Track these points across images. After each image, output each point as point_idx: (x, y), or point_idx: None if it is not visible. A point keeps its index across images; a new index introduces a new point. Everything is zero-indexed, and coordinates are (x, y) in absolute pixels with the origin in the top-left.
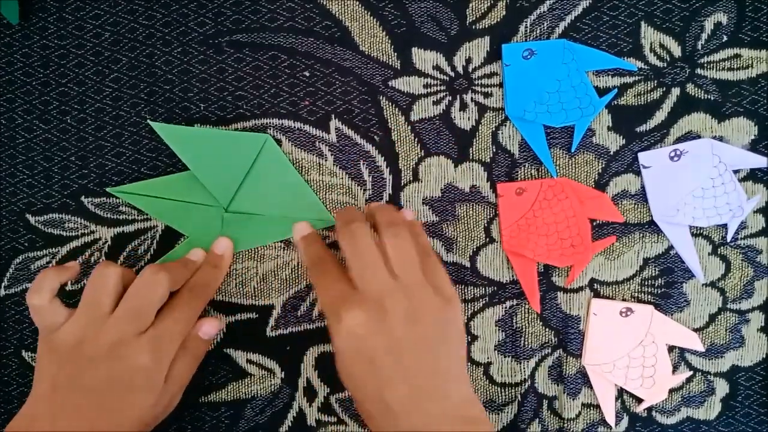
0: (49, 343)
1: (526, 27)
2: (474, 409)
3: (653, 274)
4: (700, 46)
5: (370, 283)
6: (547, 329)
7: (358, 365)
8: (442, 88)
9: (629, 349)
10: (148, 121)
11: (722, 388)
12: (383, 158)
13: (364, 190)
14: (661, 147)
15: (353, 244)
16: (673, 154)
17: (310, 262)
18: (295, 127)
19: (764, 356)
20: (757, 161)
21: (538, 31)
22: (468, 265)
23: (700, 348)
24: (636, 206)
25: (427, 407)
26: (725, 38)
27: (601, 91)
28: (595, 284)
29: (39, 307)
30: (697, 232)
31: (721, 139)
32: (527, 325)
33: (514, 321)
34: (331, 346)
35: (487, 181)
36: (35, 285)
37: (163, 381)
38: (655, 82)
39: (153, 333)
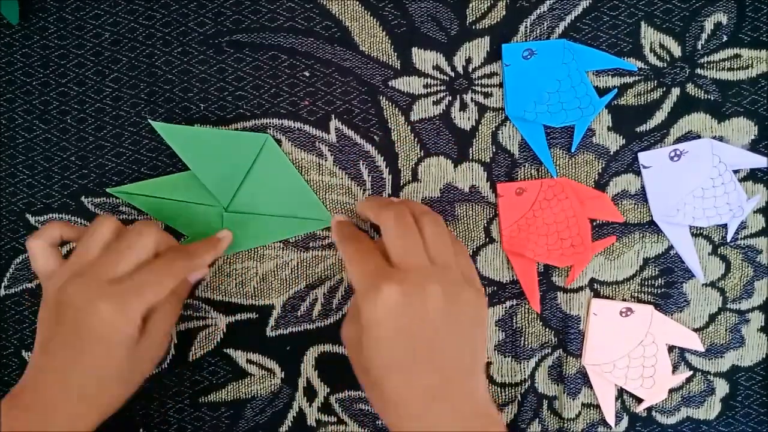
0: (43, 293)
1: (526, 27)
2: (493, 407)
3: (653, 274)
4: (700, 46)
5: (412, 263)
6: (547, 329)
7: (392, 342)
8: (442, 88)
9: (629, 349)
10: (149, 120)
11: (722, 388)
12: (383, 158)
13: (364, 190)
14: (661, 147)
15: (398, 221)
16: (673, 154)
17: (345, 237)
18: (295, 127)
19: (764, 356)
20: (757, 161)
21: (538, 31)
22: None
23: (700, 348)
24: (636, 206)
25: (460, 403)
26: (725, 38)
27: (601, 91)
28: (595, 284)
29: (33, 249)
30: (697, 232)
31: (721, 139)
32: (527, 325)
33: (514, 321)
34: (355, 325)
35: (487, 181)
36: (37, 231)
37: (136, 334)
38: (655, 82)
39: (122, 283)
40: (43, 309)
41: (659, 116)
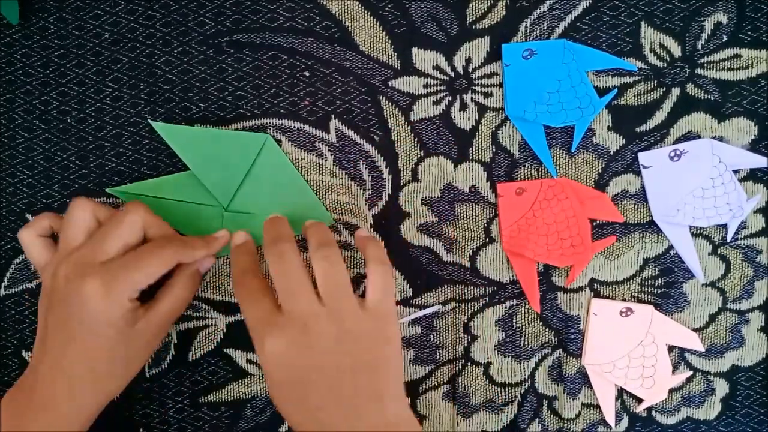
0: (42, 280)
1: (526, 27)
2: (413, 425)
3: (653, 274)
4: (700, 46)
5: (294, 307)
6: (547, 329)
7: (289, 390)
8: (442, 88)
9: (629, 349)
10: (149, 120)
11: (722, 388)
12: (383, 158)
13: (364, 190)
14: (661, 147)
15: (280, 264)
16: (673, 154)
17: (236, 276)
18: (295, 127)
19: (764, 356)
20: (757, 161)
21: (538, 31)
22: (468, 265)
23: (700, 348)
24: (636, 206)
25: (366, 427)
26: (725, 38)
27: (601, 91)
28: (595, 284)
29: (24, 240)
30: (697, 232)
31: (721, 139)
32: (527, 325)
33: (514, 321)
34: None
35: (487, 181)
36: (29, 223)
37: (125, 310)
38: (655, 82)
39: (109, 264)
40: (40, 301)
41: (659, 116)
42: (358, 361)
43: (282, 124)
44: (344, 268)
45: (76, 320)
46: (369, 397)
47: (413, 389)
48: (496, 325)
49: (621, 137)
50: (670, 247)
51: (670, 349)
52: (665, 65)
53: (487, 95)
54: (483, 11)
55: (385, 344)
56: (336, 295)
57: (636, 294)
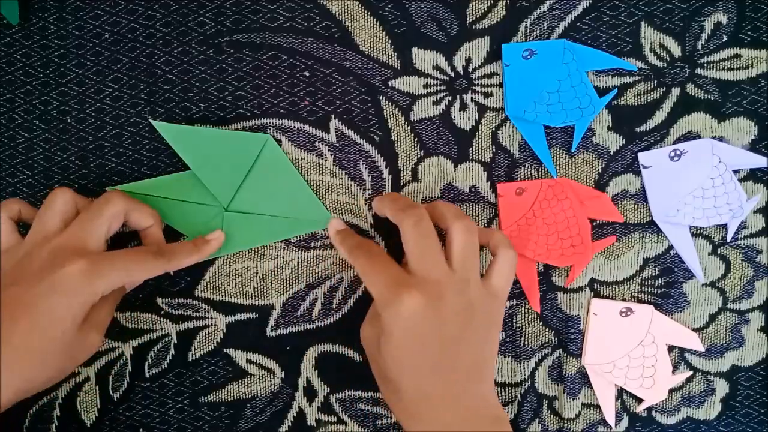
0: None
1: (526, 27)
2: (500, 408)
3: (653, 274)
4: (700, 46)
5: (430, 270)
6: (547, 329)
7: (408, 347)
8: (442, 88)
9: (629, 349)
10: (150, 120)
11: (722, 388)
12: (383, 158)
13: (364, 190)
14: (661, 147)
15: (417, 228)
16: (673, 154)
17: (354, 248)
18: (294, 127)
19: (764, 356)
20: (757, 161)
21: (538, 31)
22: None
23: (700, 348)
24: (636, 206)
25: (465, 403)
26: (725, 38)
27: (601, 91)
28: (595, 284)
29: None
30: (697, 232)
31: (721, 139)
32: (527, 325)
33: (514, 321)
34: (375, 326)
35: (487, 181)
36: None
37: (89, 305)
38: (655, 82)
39: (99, 252)
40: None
41: (659, 116)
42: (472, 338)
43: (282, 124)
44: (478, 243)
45: (38, 297)
46: (472, 374)
47: None
48: None
49: (621, 137)
50: (670, 247)
51: (670, 349)
52: (665, 65)
53: (487, 95)
54: (483, 11)
55: (494, 329)
56: (468, 265)
57: (636, 294)
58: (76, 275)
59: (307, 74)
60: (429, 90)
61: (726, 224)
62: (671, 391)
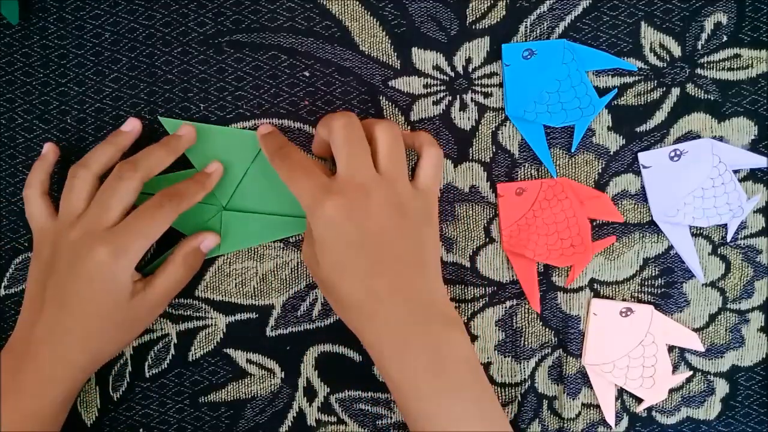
0: (35, 247)
1: (526, 27)
2: (452, 308)
3: (653, 274)
4: (700, 46)
5: (356, 172)
6: (547, 329)
7: (341, 254)
8: (442, 88)
9: (629, 349)
10: (158, 116)
11: (722, 388)
12: None
13: None
14: (661, 147)
15: (346, 129)
16: (673, 154)
17: (278, 155)
18: (294, 127)
19: (764, 356)
20: (757, 161)
21: (538, 31)
22: (468, 265)
23: (700, 348)
24: (636, 206)
25: (413, 297)
26: (725, 38)
27: (601, 91)
28: (595, 284)
29: (29, 198)
30: (697, 232)
31: (721, 139)
32: (527, 325)
33: (514, 321)
34: (310, 242)
35: (487, 181)
36: (28, 180)
37: (130, 279)
38: (655, 82)
39: (114, 229)
40: (34, 264)
41: (659, 116)
42: (407, 233)
43: (282, 124)
44: (403, 145)
45: (78, 287)
46: (414, 266)
47: None
48: (496, 325)
49: (621, 137)
50: (670, 247)
51: (670, 349)
52: (665, 65)
53: (487, 95)
54: (483, 11)
55: (429, 224)
56: (395, 166)
57: (636, 294)
58: (101, 262)
59: (307, 74)
60: (429, 90)
61: (726, 224)
62: (671, 391)
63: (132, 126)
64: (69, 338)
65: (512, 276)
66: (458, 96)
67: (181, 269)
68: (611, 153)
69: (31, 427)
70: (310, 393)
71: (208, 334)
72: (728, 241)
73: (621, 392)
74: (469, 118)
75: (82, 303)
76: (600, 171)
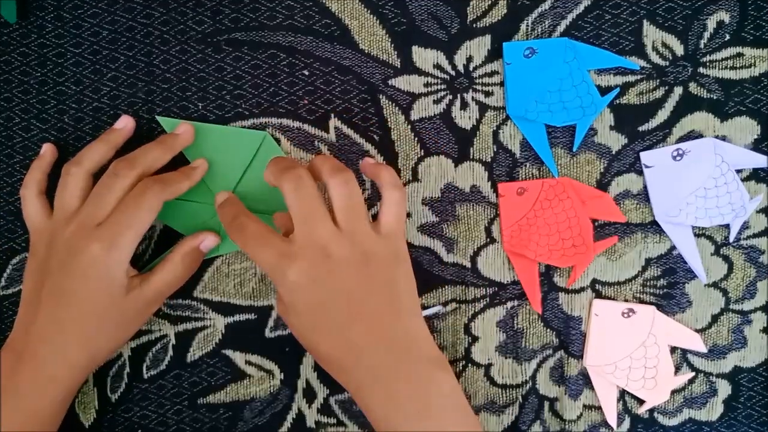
0: (31, 245)
1: (527, 25)
2: (435, 347)
3: (655, 275)
4: (702, 45)
5: (313, 232)
6: (548, 330)
7: (314, 315)
8: (443, 87)
9: (631, 350)
10: (156, 116)
11: (724, 389)
12: (382, 158)
13: (363, 189)
14: (663, 146)
15: (297, 189)
16: (675, 153)
17: (229, 223)
18: (293, 126)
19: (766, 357)
20: (760, 161)
21: (539, 30)
22: (469, 265)
23: (703, 349)
24: (638, 206)
25: (393, 342)
26: (728, 37)
27: (603, 90)
28: (597, 285)
29: (25, 199)
30: (699, 233)
31: (723, 138)
32: (528, 326)
33: (515, 322)
34: (282, 311)
35: (488, 181)
36: (25, 180)
37: (125, 275)
38: (658, 81)
39: (103, 224)
40: (30, 263)
41: (661, 115)
42: (375, 281)
43: (281, 123)
44: (360, 193)
45: (77, 280)
46: (389, 311)
47: None
48: (497, 326)
49: (623, 136)
50: (673, 248)
51: (672, 350)
52: (668, 64)
53: (488, 94)
54: (484, 9)
55: (397, 265)
56: (353, 218)
57: (638, 294)
58: (94, 258)
59: (306, 73)
60: (429, 89)
61: (728, 224)
62: (673, 392)
63: (124, 123)
64: (67, 337)
65: (513, 276)
66: (459, 95)
67: (179, 267)
68: (613, 152)
69: (30, 427)
70: (310, 394)
71: (207, 335)
72: (731, 241)
73: (623, 393)
74: (469, 117)
75: (79, 300)
76: (602, 170)
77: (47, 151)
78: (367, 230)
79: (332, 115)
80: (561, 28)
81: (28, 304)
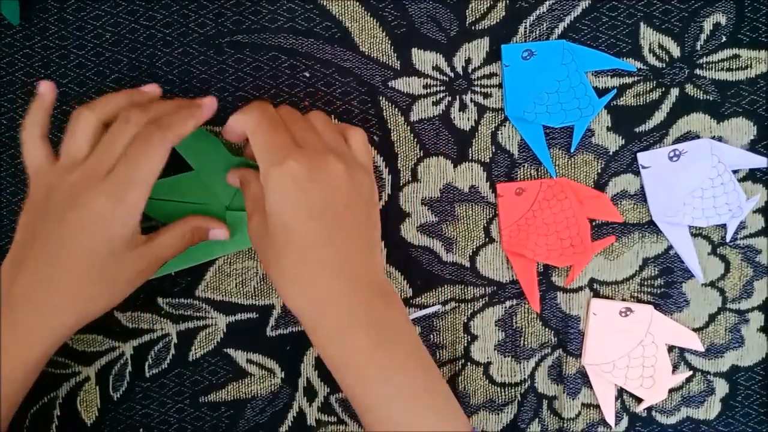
0: (30, 191)
1: (525, 27)
2: (390, 284)
3: (653, 274)
4: (699, 47)
5: (312, 143)
6: (546, 329)
7: (299, 218)
8: (442, 88)
9: (629, 349)
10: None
11: (722, 388)
12: (382, 158)
13: None
14: (660, 147)
15: (291, 114)
16: (672, 154)
17: (255, 106)
18: None
19: (764, 356)
20: (756, 161)
21: (537, 32)
22: (468, 265)
23: (700, 348)
24: (635, 206)
25: (359, 275)
26: (724, 39)
27: (601, 92)
28: (595, 284)
29: (24, 141)
30: (696, 232)
31: (720, 139)
32: (527, 325)
33: (513, 321)
34: (260, 208)
35: (487, 182)
36: (25, 122)
37: (131, 231)
38: (654, 82)
39: (110, 175)
40: (26, 209)
41: (658, 116)
42: (359, 209)
43: None
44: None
45: (70, 235)
46: (363, 245)
47: None
48: (495, 325)
49: (620, 137)
50: (670, 247)
51: (670, 349)
52: (664, 66)
53: (486, 96)
54: (482, 12)
55: (373, 204)
56: (337, 142)
57: (636, 294)
58: (99, 212)
59: (307, 75)
60: (429, 90)
61: (725, 224)
62: (671, 391)
63: (152, 88)
64: (54, 296)
65: (512, 276)
66: (458, 96)
67: (183, 239)
68: (610, 153)
69: (6, 386)
70: (310, 393)
71: (209, 333)
72: (728, 241)
73: (621, 392)
74: (468, 118)
75: (74, 253)
76: (599, 171)
77: (47, 89)
78: (352, 155)
79: (333, 116)
80: (559, 30)
81: (17, 254)
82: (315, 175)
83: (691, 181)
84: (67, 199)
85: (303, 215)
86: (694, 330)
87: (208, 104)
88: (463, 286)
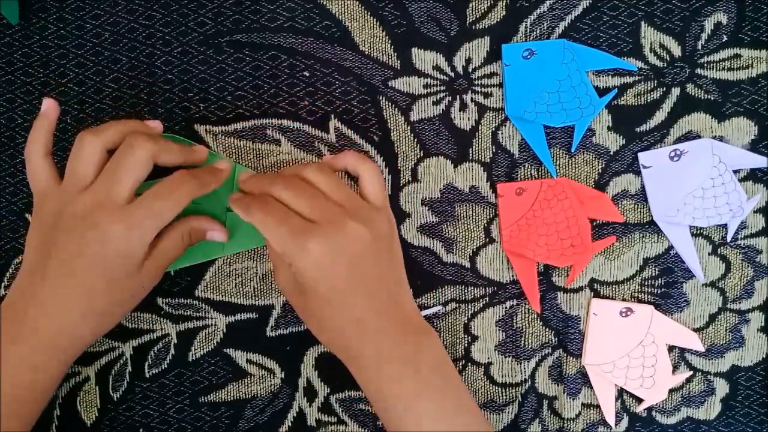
0: (36, 211)
1: (526, 27)
2: (422, 318)
3: (653, 274)
4: (700, 46)
5: (324, 214)
6: (547, 329)
7: (329, 284)
8: (442, 88)
9: (629, 349)
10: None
11: (722, 388)
12: (382, 158)
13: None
14: (661, 147)
15: (293, 186)
16: (673, 154)
17: (250, 200)
18: (294, 127)
19: (764, 356)
20: (757, 161)
21: (538, 31)
22: (468, 265)
23: (700, 348)
24: (636, 206)
25: (396, 315)
26: (725, 38)
27: (601, 91)
28: (595, 284)
29: (31, 160)
30: (697, 232)
31: (721, 139)
32: (527, 325)
33: (514, 321)
34: (288, 267)
35: (487, 182)
36: (30, 139)
37: (143, 254)
38: (655, 82)
39: (131, 206)
40: (34, 232)
41: (659, 116)
42: (382, 254)
43: (281, 124)
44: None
45: (87, 257)
46: (395, 286)
47: None
48: (496, 326)
49: (621, 137)
50: (670, 247)
51: (670, 349)
52: (665, 65)
53: (487, 95)
54: (483, 11)
55: (394, 239)
56: (346, 196)
57: (636, 294)
58: (116, 237)
59: (306, 74)
60: (429, 90)
61: (726, 224)
62: (671, 391)
63: (155, 124)
64: (72, 303)
65: (512, 276)
66: (458, 96)
67: (186, 236)
68: (611, 153)
69: (25, 397)
70: (310, 393)
71: (208, 334)
72: (728, 241)
73: (621, 392)
74: (469, 118)
75: (93, 265)
76: (600, 171)
77: (49, 107)
78: (365, 204)
79: (332, 116)
80: (559, 29)
81: (30, 273)
82: (337, 249)
83: (692, 181)
84: (82, 220)
85: (335, 285)
86: (695, 330)
87: (228, 169)
88: (463, 287)
